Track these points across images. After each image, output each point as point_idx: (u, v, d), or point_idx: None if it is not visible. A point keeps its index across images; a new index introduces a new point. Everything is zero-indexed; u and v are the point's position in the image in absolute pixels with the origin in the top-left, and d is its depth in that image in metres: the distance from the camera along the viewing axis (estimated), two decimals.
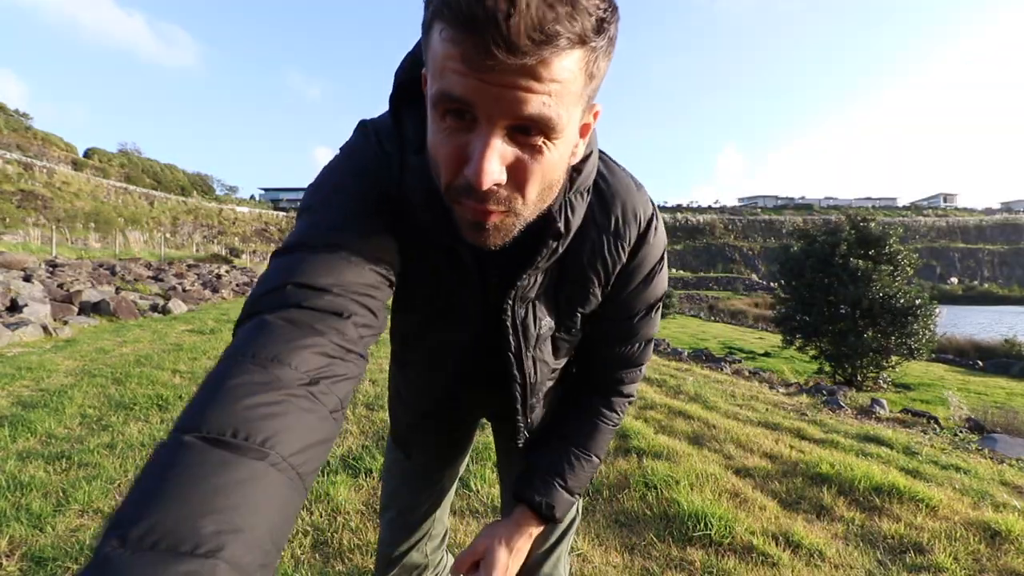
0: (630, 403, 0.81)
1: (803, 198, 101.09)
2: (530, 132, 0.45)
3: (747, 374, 7.46)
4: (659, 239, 0.68)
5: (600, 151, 0.65)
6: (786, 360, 12.66)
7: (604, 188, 0.64)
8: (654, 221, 0.67)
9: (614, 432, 0.80)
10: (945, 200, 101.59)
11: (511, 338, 0.69)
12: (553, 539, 0.91)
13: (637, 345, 0.75)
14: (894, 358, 9.76)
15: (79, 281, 9.42)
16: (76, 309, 7.50)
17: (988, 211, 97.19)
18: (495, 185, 0.46)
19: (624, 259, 0.66)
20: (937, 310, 9.86)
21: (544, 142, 0.46)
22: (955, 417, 5.87)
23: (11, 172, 34.21)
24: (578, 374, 0.84)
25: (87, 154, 47.34)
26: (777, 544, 2.00)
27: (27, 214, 30.16)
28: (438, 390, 0.79)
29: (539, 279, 0.66)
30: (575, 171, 0.57)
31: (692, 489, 2.40)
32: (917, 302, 9.53)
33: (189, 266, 17.64)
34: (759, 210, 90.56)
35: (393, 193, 0.59)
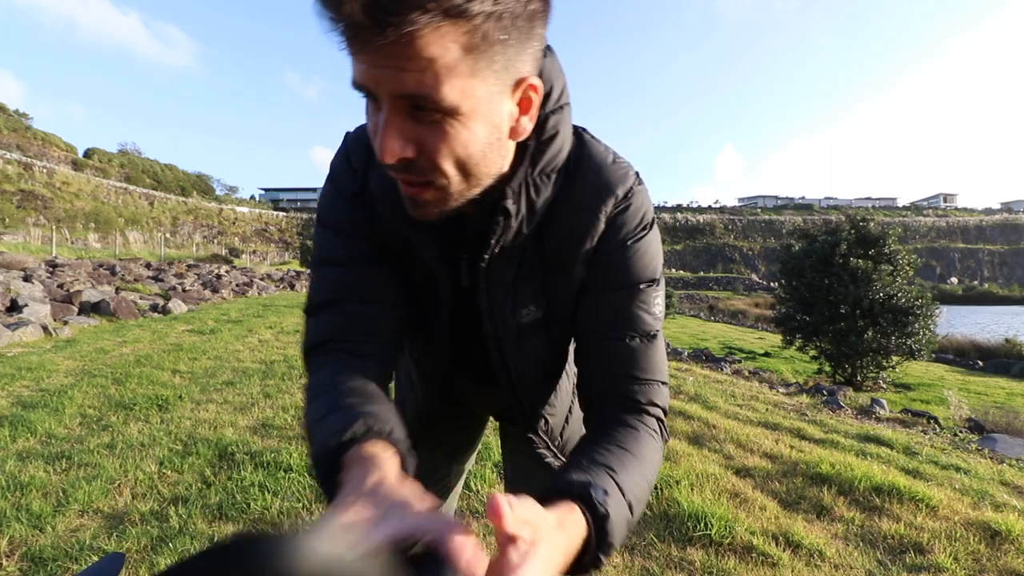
0: (663, 424, 0.66)
1: (803, 198, 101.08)
2: (424, 108, 0.44)
3: (747, 374, 7.46)
4: (638, 206, 0.64)
5: (578, 128, 0.64)
6: (786, 360, 12.66)
7: (578, 165, 0.62)
8: (633, 192, 0.63)
9: (660, 450, 0.63)
10: (945, 200, 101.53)
11: (488, 323, 0.68)
12: None
13: (641, 336, 0.64)
14: (894, 358, 9.75)
15: (79, 281, 9.42)
16: (76, 309, 7.50)
17: (988, 211, 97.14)
18: (406, 159, 0.47)
19: (601, 232, 0.63)
20: (938, 310, 9.86)
21: (443, 119, 0.45)
22: (956, 417, 5.87)
23: (11, 172, 34.21)
24: (590, 389, 0.70)
25: (87, 154, 47.34)
26: (777, 544, 2.00)
27: (27, 214, 30.16)
28: (440, 384, 0.80)
29: (514, 263, 0.64)
30: (539, 151, 0.57)
31: (692, 489, 2.40)
32: (918, 302, 9.52)
33: (189, 266, 17.65)
34: (759, 210, 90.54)
35: (359, 203, 0.65)
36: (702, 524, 2.05)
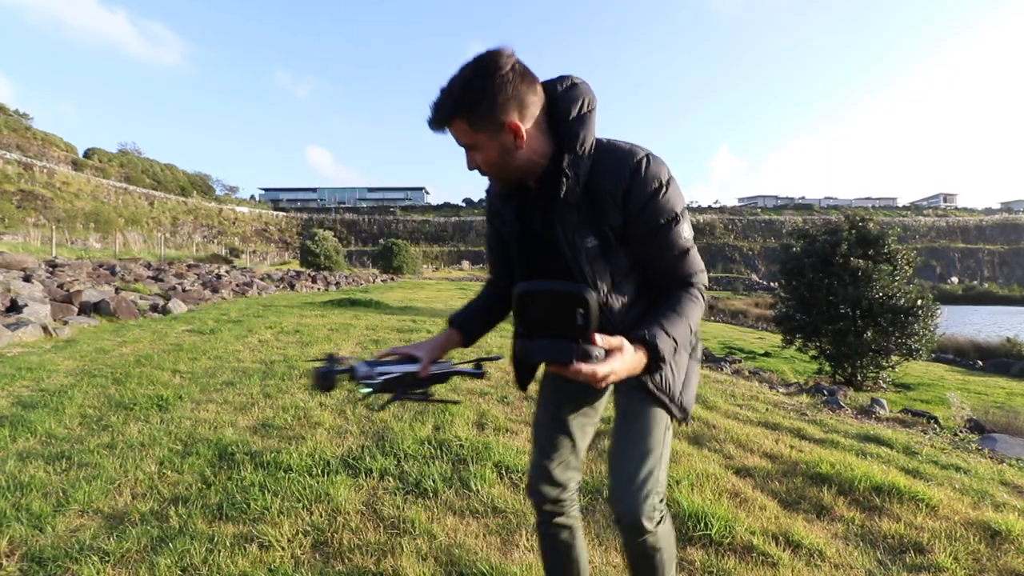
0: (702, 290, 1.08)
1: (803, 198, 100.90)
2: (471, 148, 1.03)
3: (747, 374, 7.45)
4: (651, 172, 1.01)
5: (600, 139, 1.07)
6: (786, 360, 12.65)
7: (603, 151, 1.04)
8: (644, 162, 1.02)
9: (700, 306, 1.06)
10: (945, 200, 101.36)
11: (567, 250, 1.07)
12: (650, 439, 1.13)
13: (676, 253, 1.06)
14: (894, 358, 9.74)
15: (79, 281, 9.41)
16: (76, 309, 7.49)
17: (988, 211, 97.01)
18: (476, 169, 1.06)
19: (624, 187, 1.01)
20: (938, 310, 9.84)
21: (479, 151, 1.02)
22: (957, 417, 5.86)
23: (11, 172, 34.19)
24: (657, 283, 1.11)
25: (87, 154, 47.29)
26: (777, 544, 2.00)
27: (27, 214, 30.14)
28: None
29: (575, 210, 1.05)
30: (569, 143, 1.02)
31: (692, 489, 2.40)
32: (919, 302, 9.50)
33: (189, 266, 17.63)
34: (759, 210, 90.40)
35: (489, 208, 1.26)
36: (702, 524, 2.05)
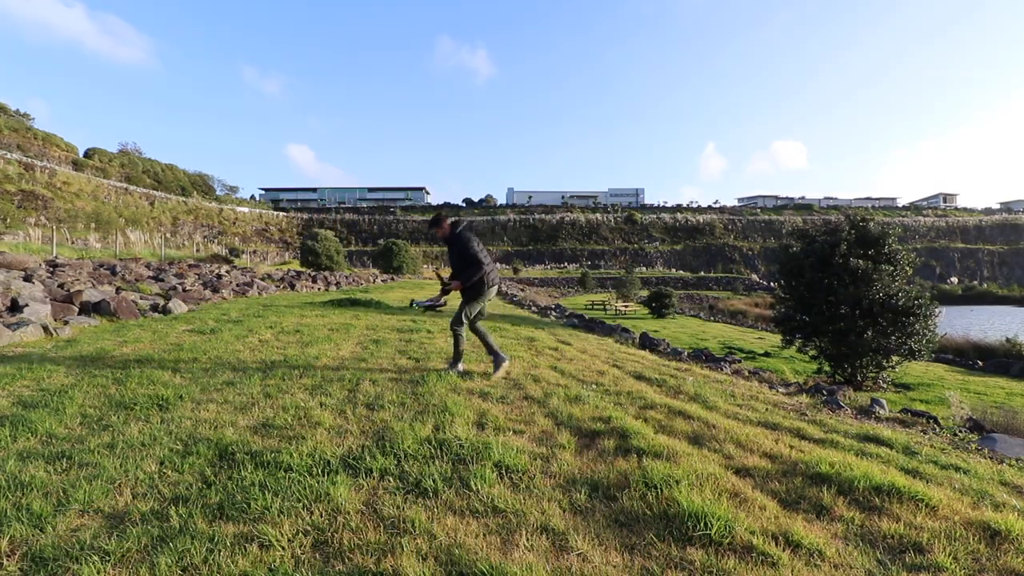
0: (479, 269, 4.59)
1: (803, 198, 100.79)
2: (437, 232, 4.92)
3: (747, 374, 7.45)
4: (462, 234, 4.69)
5: (463, 226, 4.81)
6: (786, 360, 12.65)
7: (459, 227, 4.79)
8: (460, 232, 4.71)
9: (475, 273, 4.58)
10: (945, 200, 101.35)
11: (454, 256, 4.77)
12: (459, 308, 4.80)
13: (469, 257, 4.59)
14: (894, 358, 9.73)
15: (80, 281, 9.41)
16: (77, 309, 7.50)
17: (988, 211, 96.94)
18: (440, 238, 5.02)
19: (456, 237, 4.69)
20: (937, 310, 9.83)
21: (438, 233, 4.90)
22: (956, 417, 5.86)
23: (12, 172, 34.22)
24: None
25: (88, 154, 47.31)
26: (777, 544, 2.00)
27: (28, 214, 30.18)
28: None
29: (454, 247, 4.75)
30: (453, 228, 4.77)
31: (692, 489, 2.40)
32: (918, 302, 9.50)
33: (190, 266, 17.63)
34: (759, 210, 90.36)
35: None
36: (702, 524, 2.05)
